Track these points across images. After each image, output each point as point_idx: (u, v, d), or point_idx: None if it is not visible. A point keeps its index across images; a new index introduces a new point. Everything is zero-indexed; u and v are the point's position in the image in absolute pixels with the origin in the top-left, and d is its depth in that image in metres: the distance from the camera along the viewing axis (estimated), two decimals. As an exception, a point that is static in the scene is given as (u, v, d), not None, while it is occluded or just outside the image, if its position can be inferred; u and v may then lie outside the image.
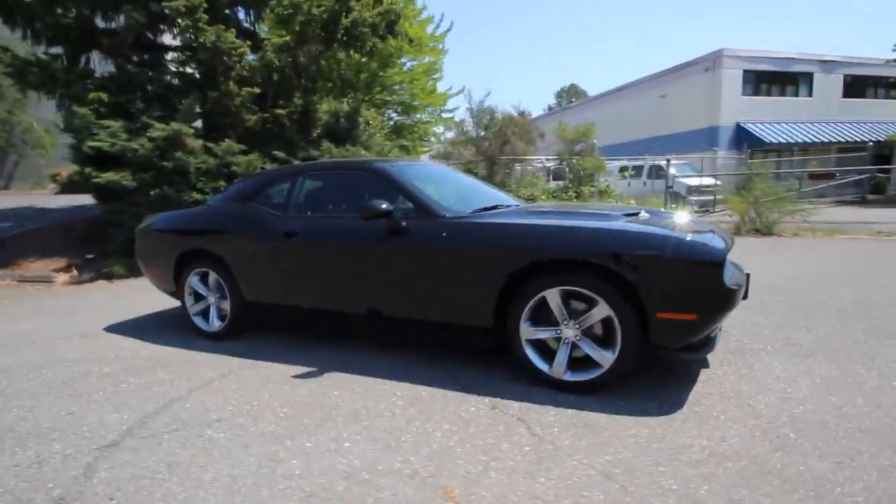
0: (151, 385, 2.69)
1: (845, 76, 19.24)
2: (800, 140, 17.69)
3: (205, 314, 3.55)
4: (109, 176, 6.17)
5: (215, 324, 3.46)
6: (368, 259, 2.82)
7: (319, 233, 3.00)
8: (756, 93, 18.71)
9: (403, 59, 14.85)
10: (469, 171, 11.84)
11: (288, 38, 8.10)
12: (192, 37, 6.94)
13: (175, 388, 2.62)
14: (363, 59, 12.51)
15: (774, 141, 17.46)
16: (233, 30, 7.15)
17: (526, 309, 2.40)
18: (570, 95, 68.36)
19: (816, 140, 17.40)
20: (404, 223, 2.67)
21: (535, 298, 2.37)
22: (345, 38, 8.48)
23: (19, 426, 2.25)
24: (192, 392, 2.57)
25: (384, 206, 2.60)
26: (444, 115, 16.08)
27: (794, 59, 18.71)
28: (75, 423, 2.25)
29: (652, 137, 19.87)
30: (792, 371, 2.59)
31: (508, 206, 3.08)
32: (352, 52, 9.41)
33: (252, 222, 3.24)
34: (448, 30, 15.40)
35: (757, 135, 17.65)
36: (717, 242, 2.23)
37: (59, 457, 1.96)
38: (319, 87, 9.37)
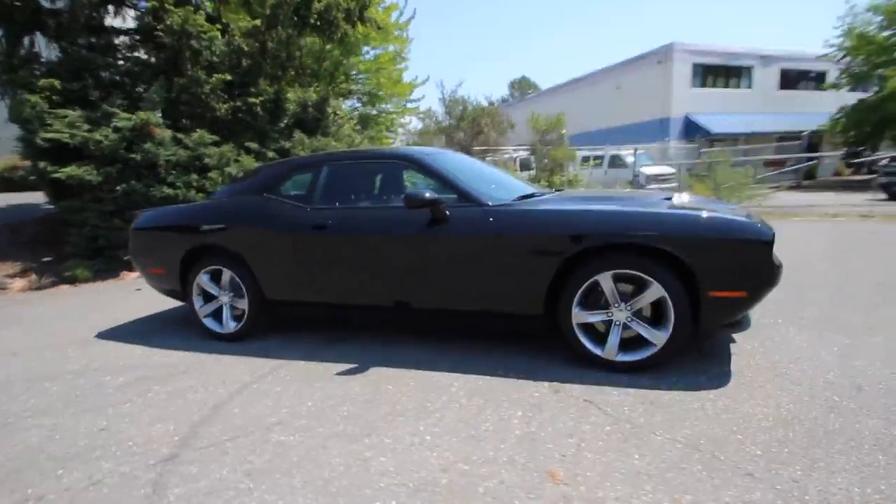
0: (183, 392, 2.51)
1: (782, 69, 20.77)
2: (743, 131, 18.95)
3: (216, 315, 3.34)
4: (71, 170, 5.64)
5: (230, 325, 3.27)
6: (408, 250, 2.75)
7: (352, 224, 2.89)
8: (704, 85, 19.82)
9: (366, 48, 14.50)
10: None
11: (257, 21, 7.68)
12: (155, 19, 6.43)
13: (212, 394, 2.46)
14: (327, 47, 12.11)
15: (721, 131, 18.61)
16: (202, 12, 6.69)
17: (578, 294, 2.44)
18: (521, 87, 69.57)
19: (758, 130, 18.70)
20: (448, 212, 2.63)
21: (588, 283, 2.42)
22: (318, 23, 8.15)
23: (50, 447, 2.04)
24: (234, 397, 2.42)
25: (430, 195, 2.55)
26: (409, 105, 15.87)
27: (737, 53, 19.96)
28: (115, 439, 2.07)
29: (609, 128, 20.58)
30: (809, 341, 2.79)
31: (542, 193, 3.09)
32: (323, 38, 9.07)
33: (274, 216, 3.07)
34: (411, 17, 15.17)
35: (704, 125, 18.75)
36: (763, 224, 2.36)
37: (115, 476, 1.80)
38: (288, 76, 8.95)
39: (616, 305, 2.42)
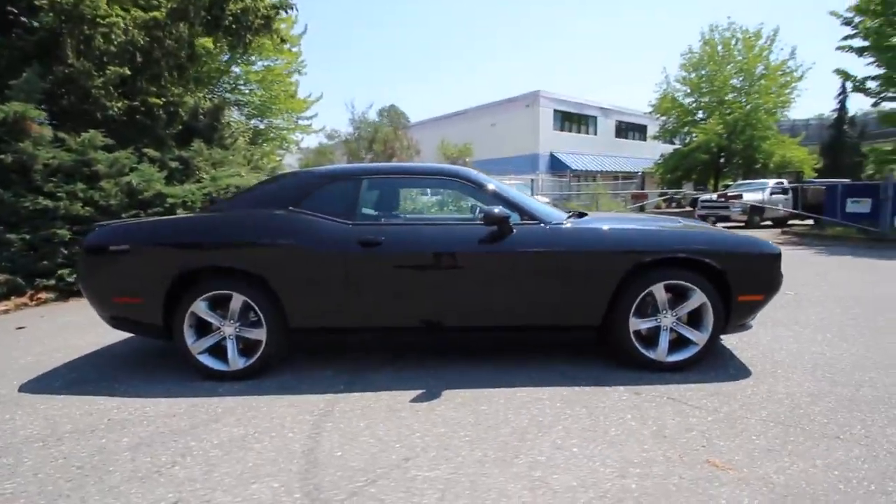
0: (243, 444, 2.06)
1: (617, 121, 25.29)
2: (596, 168, 22.49)
3: (214, 351, 2.79)
4: None
5: (238, 361, 2.76)
6: (472, 266, 2.72)
7: (409, 240, 2.73)
8: (563, 129, 23.04)
9: (253, 58, 13.50)
10: None
11: (157, 13, 6.67)
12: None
13: (286, 440, 2.08)
14: (214, 50, 10.97)
15: (577, 168, 21.77)
16: (96, -9, 5.56)
17: (635, 304, 2.72)
18: (390, 115, 71.47)
19: (606, 169, 22.38)
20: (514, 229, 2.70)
21: (644, 293, 2.71)
22: (233, 26, 7.41)
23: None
24: (317, 438, 2.08)
25: (501, 211, 2.60)
26: (302, 122, 15.13)
27: (584, 104, 23.73)
28: (208, 509, 1.63)
29: (487, 159, 22.39)
30: (798, 337, 3.40)
31: (581, 214, 3.27)
32: (228, 42, 8.23)
33: (309, 232, 2.72)
34: (303, 33, 14.64)
35: (565, 162, 21.72)
36: (770, 242, 2.94)
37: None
38: (185, 78, 7.84)
39: (664, 312, 2.76)
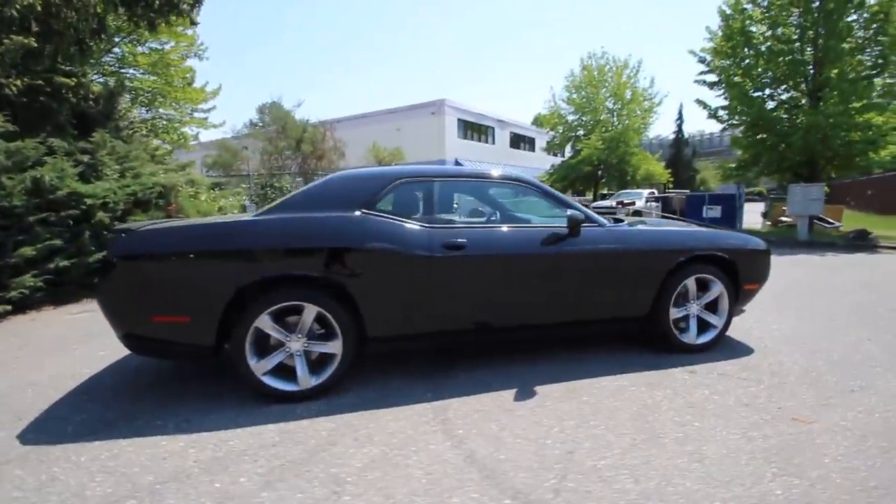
0: (394, 462, 1.93)
1: (511, 132, 27.19)
2: (495, 175, 23.88)
3: (277, 371, 2.51)
4: None
5: (309, 379, 2.51)
6: (549, 267, 2.85)
7: (492, 243, 2.76)
8: (465, 137, 24.05)
9: (142, 38, 11.74)
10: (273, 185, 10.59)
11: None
12: None
13: (436, 453, 2.00)
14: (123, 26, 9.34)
15: (481, 175, 22.92)
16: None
17: (674, 295, 3.12)
18: (272, 113, 66.91)
19: (504, 176, 23.93)
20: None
21: (680, 286, 3.13)
22: (148, 1, 6.43)
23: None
24: (468, 446, 2.04)
25: (580, 215, 2.79)
26: (198, 115, 13.50)
27: (484, 114, 25.10)
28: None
29: (396, 164, 22.41)
30: (747, 318, 4.12)
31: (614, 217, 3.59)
32: (137, 23, 7.12)
33: (391, 235, 2.58)
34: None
35: (470, 169, 22.75)
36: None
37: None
38: (88, 57, 6.56)
39: (694, 302, 3.21)
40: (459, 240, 2.69)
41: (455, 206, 3.08)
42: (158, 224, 2.60)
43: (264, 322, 2.43)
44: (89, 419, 2.35)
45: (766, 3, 13.53)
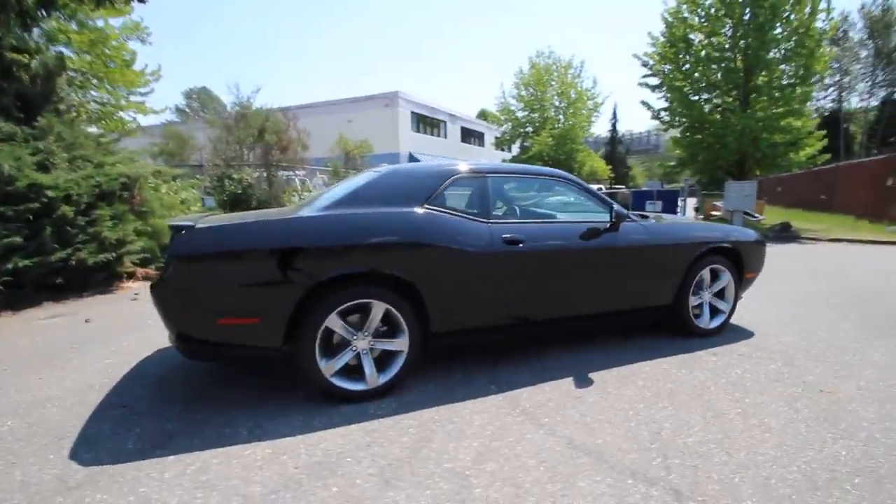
0: (510, 453, 1.98)
1: (462, 127, 27.41)
2: (448, 169, 24.05)
3: (343, 371, 2.45)
4: None
5: (378, 377, 2.48)
6: (593, 260, 2.99)
7: (544, 238, 2.84)
8: (419, 130, 23.91)
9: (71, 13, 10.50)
10: (242, 177, 9.91)
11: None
12: None
13: (550, 443, 2.07)
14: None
15: (435, 168, 22.97)
16: None
17: (693, 285, 3.40)
18: (201, 99, 62.39)
19: (457, 170, 24.17)
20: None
21: (698, 276, 3.41)
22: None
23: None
24: (580, 435, 2.12)
25: (626, 212, 2.96)
26: (135, 98, 12.33)
27: (436, 108, 25.10)
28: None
29: (337, 156, 21.85)
30: (757, 308, 4.42)
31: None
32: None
33: (457, 230, 2.59)
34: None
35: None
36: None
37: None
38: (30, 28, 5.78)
39: (705, 290, 3.51)
40: (517, 235, 2.75)
41: (499, 201, 3.13)
42: (218, 220, 2.41)
43: (333, 321, 2.36)
44: (146, 433, 2.16)
45: (703, 14, 14.70)
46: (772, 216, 15.66)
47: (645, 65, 16.31)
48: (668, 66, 15.27)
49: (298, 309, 2.29)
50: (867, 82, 35.34)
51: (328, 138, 23.00)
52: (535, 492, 1.71)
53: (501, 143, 26.26)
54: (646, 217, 3.56)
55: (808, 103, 15.25)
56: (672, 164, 16.53)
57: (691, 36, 14.90)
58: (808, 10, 13.06)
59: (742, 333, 3.62)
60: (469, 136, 28.88)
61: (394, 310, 2.47)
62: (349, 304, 2.38)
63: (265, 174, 9.39)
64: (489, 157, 26.18)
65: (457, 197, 2.82)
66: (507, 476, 1.81)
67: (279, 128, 9.60)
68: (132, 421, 2.28)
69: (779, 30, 13.31)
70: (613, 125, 49.43)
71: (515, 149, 26.69)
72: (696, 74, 14.91)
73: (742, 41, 13.83)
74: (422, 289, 2.51)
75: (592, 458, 1.93)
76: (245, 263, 2.23)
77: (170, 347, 3.29)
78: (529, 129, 24.77)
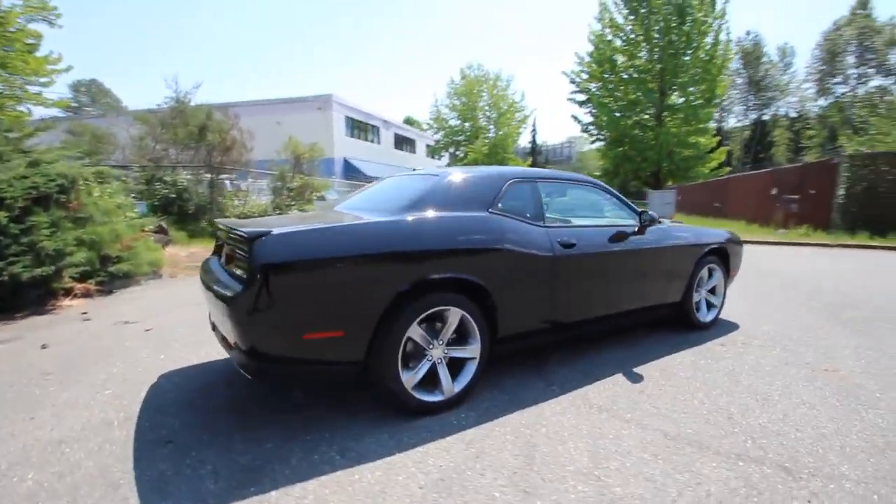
0: (613, 457, 2.03)
1: (395, 133, 27.25)
2: (383, 176, 23.75)
3: (422, 382, 2.35)
4: None
5: (453, 386, 2.41)
6: (629, 262, 3.18)
7: (592, 242, 2.95)
8: (353, 135, 23.33)
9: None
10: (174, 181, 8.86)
11: None
12: None
13: (640, 443, 2.15)
14: None
15: (371, 175, 22.50)
16: None
17: (695, 282, 3.74)
18: (91, 93, 55.35)
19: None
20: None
21: (700, 273, 3.77)
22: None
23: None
24: (679, 433, 2.23)
25: (656, 216, 3.19)
26: (35, 90, 10.66)
27: (371, 114, 24.69)
28: None
29: (278, 160, 20.63)
30: (728, 306, 5.06)
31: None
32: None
33: (520, 234, 2.59)
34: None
35: (359, 168, 22.16)
36: (735, 235, 4.40)
37: None
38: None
39: (703, 287, 3.88)
40: (570, 238, 2.84)
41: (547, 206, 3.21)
42: (294, 226, 2.17)
43: (415, 330, 2.26)
44: (220, 469, 1.90)
45: (624, 37, 16.20)
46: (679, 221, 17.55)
47: (573, 82, 17.57)
48: (594, 85, 16.58)
49: (380, 319, 2.16)
50: (742, 105, 41.15)
51: (258, 141, 21.70)
52: (671, 483, 1.79)
53: (435, 151, 26.57)
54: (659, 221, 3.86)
55: (709, 122, 17.41)
56: (598, 174, 17.92)
57: (615, 57, 16.36)
58: (709, 40, 14.97)
59: (730, 326, 4.04)
60: (402, 142, 28.81)
61: (469, 316, 2.42)
62: (430, 311, 2.29)
63: (205, 176, 8.55)
64: (422, 164, 26.38)
65: (514, 201, 2.84)
66: (635, 471, 1.87)
67: (222, 127, 8.84)
68: (192, 457, 1.99)
69: (688, 56, 15.05)
70: (534, 136, 52.33)
71: (446, 157, 27.19)
72: (618, 94, 16.37)
73: (658, 65, 15.46)
74: (493, 293, 2.50)
75: (694, 447, 2.05)
76: (331, 272, 2.06)
77: (172, 370, 2.96)
78: (461, 137, 25.36)
